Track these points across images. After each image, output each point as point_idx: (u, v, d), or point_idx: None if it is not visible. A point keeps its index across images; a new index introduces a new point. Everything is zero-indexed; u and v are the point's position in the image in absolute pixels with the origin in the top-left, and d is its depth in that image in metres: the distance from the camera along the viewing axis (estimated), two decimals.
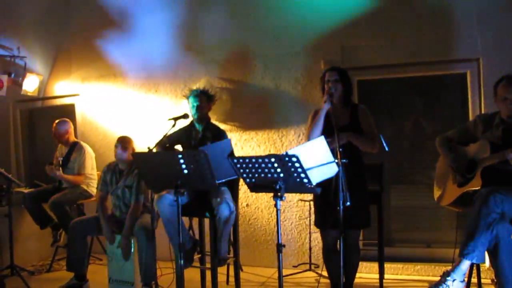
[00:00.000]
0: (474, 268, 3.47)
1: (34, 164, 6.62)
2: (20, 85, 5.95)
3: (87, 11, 6.03)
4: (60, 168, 5.22)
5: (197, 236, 4.52)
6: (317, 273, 4.82)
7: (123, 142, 4.57)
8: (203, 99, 4.35)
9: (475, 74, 4.67)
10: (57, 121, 5.44)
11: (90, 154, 5.43)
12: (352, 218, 3.30)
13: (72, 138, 5.51)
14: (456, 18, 4.63)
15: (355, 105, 3.76)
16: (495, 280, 3.25)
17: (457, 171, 3.49)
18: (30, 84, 6.06)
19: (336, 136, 3.15)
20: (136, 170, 4.33)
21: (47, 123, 5.63)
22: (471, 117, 4.63)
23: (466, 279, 3.17)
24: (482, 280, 3.62)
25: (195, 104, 4.30)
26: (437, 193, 3.73)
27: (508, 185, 3.16)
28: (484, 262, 4.28)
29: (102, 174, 4.72)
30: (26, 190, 5.55)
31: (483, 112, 4.50)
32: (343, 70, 3.75)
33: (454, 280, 3.06)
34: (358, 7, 4.86)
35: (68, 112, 6.11)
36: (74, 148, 5.42)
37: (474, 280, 3.52)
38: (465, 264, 3.09)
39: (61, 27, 6.18)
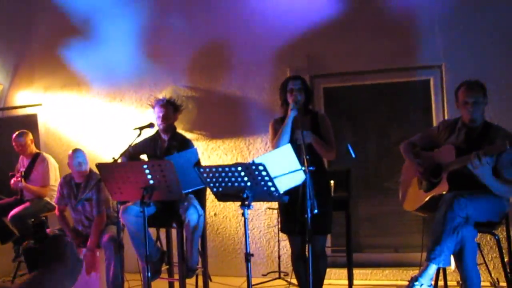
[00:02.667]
0: (441, 271, 3.52)
1: None
2: None
3: (49, 18, 5.90)
4: (22, 180, 5.08)
5: (164, 247, 4.45)
6: (286, 281, 4.80)
7: (80, 156, 4.47)
8: (170, 109, 4.28)
9: (438, 80, 4.77)
10: (16, 132, 5.30)
11: (53, 165, 5.31)
12: (317, 225, 3.30)
13: (33, 149, 5.37)
14: (419, 26, 4.72)
15: (315, 113, 3.80)
16: (460, 283, 3.30)
17: (423, 176, 3.53)
18: None
19: (301, 136, 3.15)
20: (94, 182, 4.24)
21: (8, 134, 5.47)
22: (435, 123, 4.72)
23: (433, 282, 3.21)
24: (448, 283, 3.67)
25: (161, 114, 4.23)
26: (402, 198, 3.77)
27: (473, 189, 3.22)
28: (450, 265, 4.35)
29: (59, 187, 4.61)
30: None
31: (446, 117, 4.59)
32: (304, 79, 3.78)
33: (422, 285, 3.09)
34: (323, 15, 4.90)
35: (30, 122, 5.95)
36: (37, 159, 5.29)
37: (441, 283, 3.56)
38: (432, 269, 3.12)
39: (22, 35, 6.04)
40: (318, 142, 3.56)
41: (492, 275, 4.10)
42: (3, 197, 5.56)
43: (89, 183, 4.38)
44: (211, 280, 4.44)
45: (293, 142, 3.37)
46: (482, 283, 3.22)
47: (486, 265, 3.99)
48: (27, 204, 5.08)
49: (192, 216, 3.85)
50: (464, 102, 3.42)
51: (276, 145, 3.57)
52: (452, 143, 3.43)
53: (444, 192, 3.33)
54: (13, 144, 5.28)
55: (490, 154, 3.09)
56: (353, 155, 3.35)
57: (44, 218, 4.98)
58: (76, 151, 4.51)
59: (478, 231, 3.28)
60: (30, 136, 5.35)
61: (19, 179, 5.06)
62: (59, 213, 4.54)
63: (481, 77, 3.56)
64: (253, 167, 2.76)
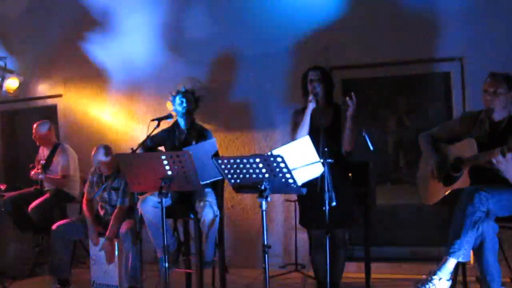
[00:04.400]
0: (460, 266, 3.48)
1: (15, 167, 6.51)
2: (0, 86, 5.85)
3: (69, 10, 5.93)
4: (42, 171, 5.13)
5: (182, 238, 4.47)
6: (303, 273, 4.80)
7: (105, 149, 4.49)
8: (191, 98, 4.31)
9: (459, 73, 4.70)
10: (37, 122, 5.35)
11: (73, 155, 5.35)
12: (337, 217, 3.28)
13: (53, 139, 5.42)
14: (440, 18, 4.65)
15: (337, 105, 3.76)
16: (480, 278, 3.26)
17: (439, 171, 3.49)
18: (11, 85, 5.96)
19: (322, 137, 3.13)
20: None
21: (29, 124, 5.53)
22: (454, 116, 4.65)
23: (452, 277, 3.17)
24: (468, 278, 3.63)
25: (183, 100, 4.25)
26: (422, 192, 3.72)
27: (495, 183, 3.16)
28: (469, 260, 4.30)
29: (90, 176, 4.67)
30: (6, 193, 5.44)
31: (466, 110, 4.52)
32: (325, 69, 3.74)
33: (440, 279, 3.05)
34: (341, 7, 4.86)
35: (50, 113, 6.02)
36: (56, 149, 5.33)
37: (459, 278, 3.52)
38: (451, 263, 3.09)
39: (42, 26, 6.08)
40: (354, 124, 3.50)
41: None
42: (23, 186, 5.63)
43: (118, 173, 4.41)
44: (228, 272, 4.46)
45: (312, 133, 3.34)
46: (502, 279, 3.17)
47: (507, 261, 3.92)
48: (47, 195, 5.14)
49: (208, 216, 3.88)
50: (484, 90, 3.40)
51: (295, 137, 3.56)
52: (475, 135, 3.38)
53: (464, 187, 3.28)
54: (34, 134, 5.33)
55: None
56: (371, 148, 3.31)
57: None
58: (96, 150, 4.49)
59: (499, 226, 3.23)
60: (51, 126, 5.40)
61: (39, 170, 5.12)
62: (86, 202, 4.59)
63: (504, 70, 3.48)
64: (272, 159, 2.75)
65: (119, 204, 4.40)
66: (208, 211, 3.87)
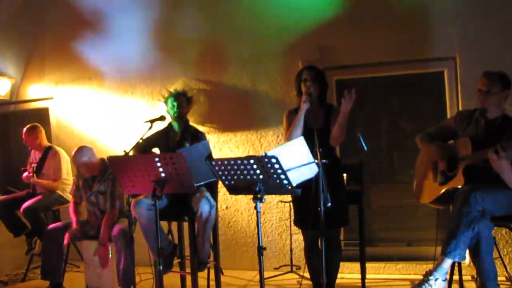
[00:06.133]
0: (456, 265, 3.47)
1: (7, 170, 6.46)
2: None
3: (61, 12, 5.90)
4: (34, 174, 5.09)
5: (176, 241, 4.44)
6: (298, 274, 4.78)
7: (83, 151, 4.42)
8: (183, 100, 4.28)
9: (452, 72, 4.70)
10: (26, 126, 5.30)
11: (65, 158, 5.31)
12: (331, 217, 3.26)
13: (44, 142, 5.37)
14: (433, 17, 4.65)
15: (330, 106, 3.74)
16: (475, 277, 3.25)
17: (441, 161, 3.47)
18: (2, 88, 5.93)
19: (316, 138, 3.10)
20: (110, 175, 4.23)
21: (20, 127, 5.49)
22: (448, 115, 4.66)
23: (448, 277, 3.16)
24: (463, 277, 3.62)
25: (175, 104, 4.21)
26: (417, 191, 3.72)
27: (489, 183, 3.16)
28: (465, 260, 4.30)
29: (75, 179, 4.61)
30: None
31: (460, 109, 4.52)
32: (319, 69, 3.71)
33: (436, 279, 3.05)
34: (335, 7, 4.85)
35: (42, 116, 5.97)
36: (48, 153, 5.29)
37: (455, 277, 3.51)
38: (447, 263, 3.09)
39: (33, 28, 6.04)
40: (344, 119, 3.41)
41: (508, 269, 4.05)
42: (15, 190, 5.58)
43: (104, 176, 4.37)
44: (222, 274, 4.44)
45: (306, 134, 3.32)
46: (498, 278, 3.17)
47: (502, 260, 3.94)
48: (39, 197, 5.10)
49: (204, 207, 3.84)
50: (477, 90, 3.41)
51: (288, 137, 3.54)
52: (469, 135, 3.38)
53: (459, 186, 3.28)
54: (24, 138, 5.29)
55: (509, 149, 3.03)
56: (365, 148, 3.30)
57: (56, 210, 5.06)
58: (75, 153, 4.42)
59: (495, 225, 3.23)
60: (41, 130, 5.35)
61: (31, 174, 5.08)
62: (73, 205, 4.55)
63: (497, 69, 3.48)
64: (266, 160, 2.73)
65: (109, 208, 4.35)
66: (204, 203, 3.84)
